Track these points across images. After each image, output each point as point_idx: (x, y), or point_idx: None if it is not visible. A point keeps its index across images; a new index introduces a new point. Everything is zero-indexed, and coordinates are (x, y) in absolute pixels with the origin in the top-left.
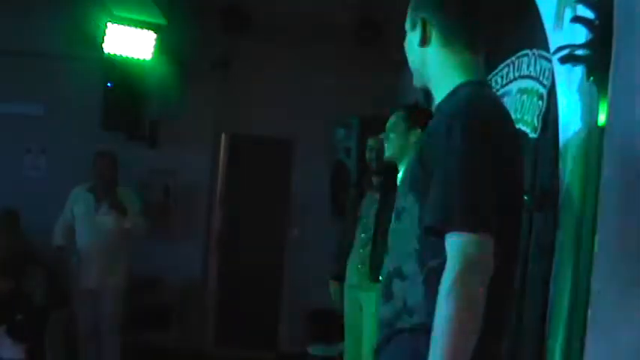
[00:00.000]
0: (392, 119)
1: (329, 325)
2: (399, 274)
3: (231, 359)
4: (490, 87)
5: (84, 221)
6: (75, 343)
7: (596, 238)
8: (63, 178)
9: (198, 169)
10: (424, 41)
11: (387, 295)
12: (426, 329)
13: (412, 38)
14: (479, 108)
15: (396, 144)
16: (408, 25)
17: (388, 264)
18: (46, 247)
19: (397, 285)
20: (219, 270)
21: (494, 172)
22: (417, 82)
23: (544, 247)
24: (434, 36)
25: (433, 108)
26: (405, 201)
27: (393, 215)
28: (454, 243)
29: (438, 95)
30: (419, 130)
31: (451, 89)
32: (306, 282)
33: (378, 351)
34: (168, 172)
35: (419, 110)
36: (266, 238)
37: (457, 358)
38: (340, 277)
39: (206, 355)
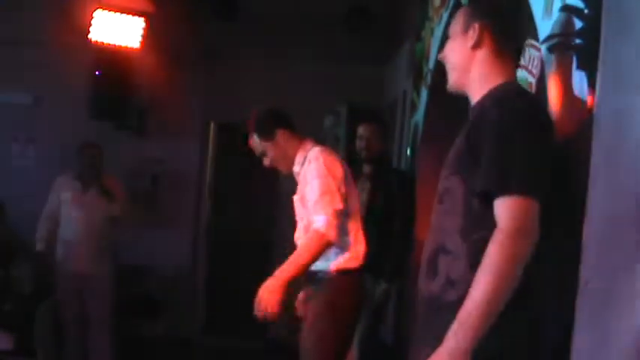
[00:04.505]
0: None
1: None
2: (443, 250)
3: (219, 348)
4: None
5: (71, 207)
6: (63, 332)
7: (584, 227)
8: (51, 167)
9: (186, 158)
10: (477, 45)
11: (433, 272)
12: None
13: (462, 41)
14: (525, 96)
15: (274, 157)
16: (457, 28)
17: (431, 243)
18: (34, 236)
19: (442, 261)
20: (208, 259)
21: (544, 147)
22: (453, 85)
23: None
24: (486, 41)
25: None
26: (450, 182)
27: (436, 197)
28: (506, 205)
29: (476, 96)
30: (282, 130)
31: (491, 88)
32: None
33: (422, 326)
34: (156, 160)
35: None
36: (255, 226)
37: (491, 309)
38: None
39: (195, 344)
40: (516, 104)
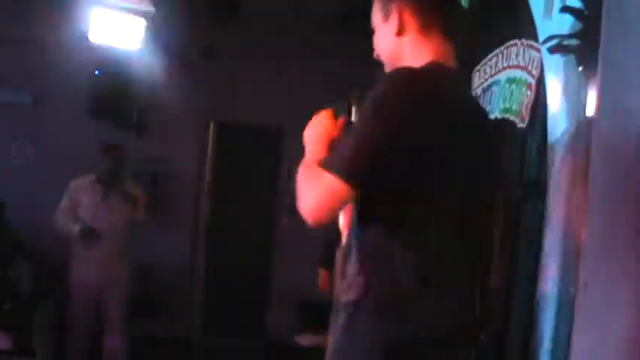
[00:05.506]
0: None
1: (317, 314)
2: (349, 249)
3: (218, 348)
4: (456, 73)
5: (92, 212)
6: (64, 333)
7: (584, 229)
8: (50, 167)
9: (186, 158)
10: (401, 30)
11: (344, 273)
12: (359, 305)
13: (385, 30)
14: (414, 79)
15: None
16: (378, 19)
17: (345, 241)
18: (33, 236)
19: (349, 260)
20: (207, 259)
21: (396, 140)
22: None
23: (532, 237)
24: (410, 25)
25: None
26: None
27: None
28: (325, 180)
29: None
30: None
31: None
32: (295, 271)
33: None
34: (156, 160)
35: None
36: (255, 226)
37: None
38: (329, 265)
39: (194, 343)
40: (393, 86)
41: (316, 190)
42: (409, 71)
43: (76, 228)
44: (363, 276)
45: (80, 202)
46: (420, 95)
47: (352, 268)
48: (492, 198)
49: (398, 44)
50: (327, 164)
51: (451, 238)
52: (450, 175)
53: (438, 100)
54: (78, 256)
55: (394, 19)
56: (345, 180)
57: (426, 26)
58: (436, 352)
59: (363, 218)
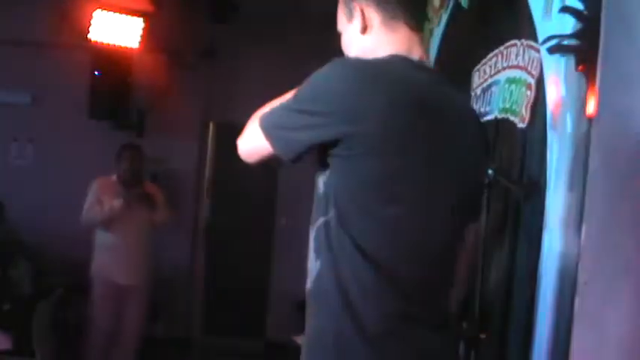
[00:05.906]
0: None
1: None
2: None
3: (218, 348)
4: (421, 63)
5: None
6: (65, 333)
7: (583, 228)
8: (50, 167)
9: (185, 158)
10: (366, 27)
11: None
12: (312, 290)
13: (351, 30)
14: (369, 64)
15: None
16: (343, 21)
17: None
18: (33, 236)
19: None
20: (207, 259)
21: (319, 116)
22: None
23: (532, 237)
24: (374, 20)
25: None
26: None
27: None
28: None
29: None
30: None
31: None
32: (294, 271)
33: None
34: (155, 160)
35: None
36: (254, 226)
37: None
38: None
39: (194, 343)
40: (343, 63)
41: (251, 137)
42: (358, 59)
43: (116, 202)
44: (316, 259)
45: (103, 201)
46: (368, 79)
47: (309, 254)
48: (475, 196)
49: (364, 43)
50: (263, 122)
51: (422, 237)
52: (415, 166)
53: (391, 86)
54: (99, 261)
55: (358, 16)
56: (271, 146)
57: (390, 18)
58: (405, 349)
59: (321, 204)
